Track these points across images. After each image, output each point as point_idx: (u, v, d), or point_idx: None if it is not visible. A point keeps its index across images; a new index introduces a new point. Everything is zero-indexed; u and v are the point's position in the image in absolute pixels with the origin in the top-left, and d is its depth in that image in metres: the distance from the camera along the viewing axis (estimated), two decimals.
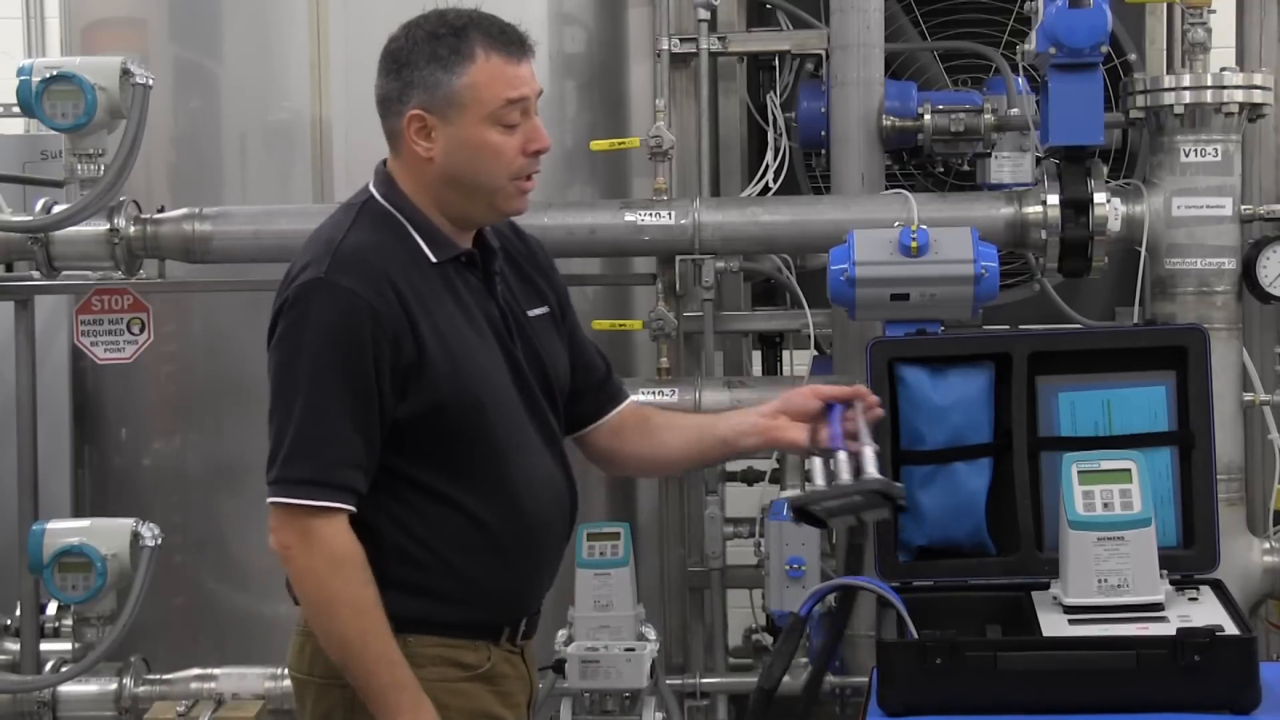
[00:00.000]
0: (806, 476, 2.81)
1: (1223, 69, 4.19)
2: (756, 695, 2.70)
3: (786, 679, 4.51)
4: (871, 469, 2.57)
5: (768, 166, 4.69)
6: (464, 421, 2.52)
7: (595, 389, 2.82)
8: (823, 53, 4.56)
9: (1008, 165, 4.51)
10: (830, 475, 2.58)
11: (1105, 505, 2.86)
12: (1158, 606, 2.84)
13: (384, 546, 2.51)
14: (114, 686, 4.39)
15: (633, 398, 2.87)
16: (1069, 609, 2.84)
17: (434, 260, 2.56)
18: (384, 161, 2.63)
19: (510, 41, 2.56)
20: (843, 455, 2.58)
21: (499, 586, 2.60)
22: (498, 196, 2.58)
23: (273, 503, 2.47)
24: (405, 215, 2.57)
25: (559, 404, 2.71)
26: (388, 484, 2.51)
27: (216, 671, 4.35)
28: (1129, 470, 2.89)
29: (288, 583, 2.54)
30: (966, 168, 4.79)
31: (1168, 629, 2.72)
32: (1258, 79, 4.20)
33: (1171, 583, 2.98)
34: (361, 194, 2.63)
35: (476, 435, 2.54)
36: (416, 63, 2.51)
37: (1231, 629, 2.76)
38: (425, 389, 2.49)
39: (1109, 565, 2.77)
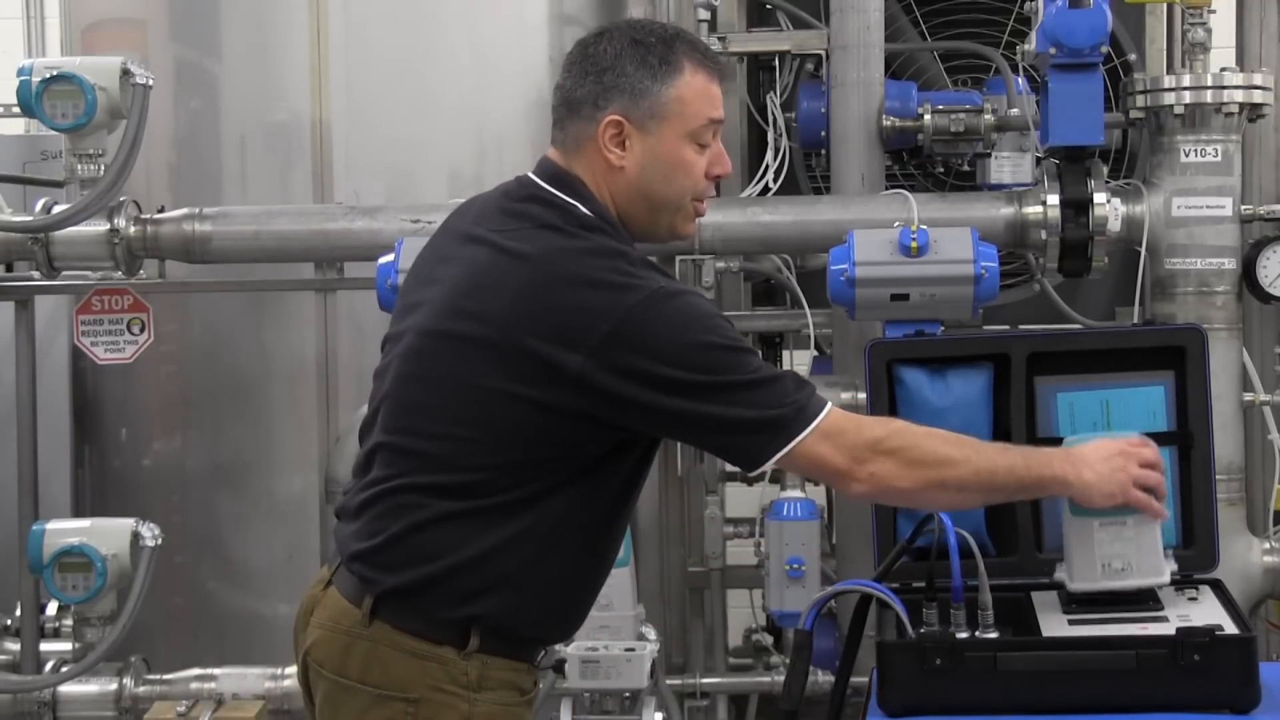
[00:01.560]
0: None
1: (1223, 69, 4.19)
2: (783, 719, 2.72)
3: (766, 678, 4.58)
4: None
5: (768, 167, 4.69)
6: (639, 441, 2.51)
7: None
8: (823, 53, 4.56)
9: (1008, 165, 4.51)
10: None
11: None
12: (1157, 597, 2.85)
13: (555, 558, 2.45)
14: (114, 686, 4.39)
15: None
16: (1073, 597, 2.84)
17: None
18: (555, 167, 2.54)
19: (714, 60, 2.53)
20: None
21: (575, 616, 2.59)
22: (679, 216, 2.54)
23: (802, 447, 2.40)
24: (613, 228, 2.50)
25: None
26: (597, 501, 2.47)
27: (216, 671, 4.35)
28: None
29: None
30: (966, 168, 4.79)
31: (1167, 629, 2.72)
32: (1258, 79, 4.20)
33: (1171, 583, 2.99)
34: (554, 205, 2.49)
35: (635, 458, 2.52)
36: (622, 68, 2.46)
37: (1231, 629, 2.76)
38: None
39: (1113, 549, 2.75)
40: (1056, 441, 3.16)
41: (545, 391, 2.37)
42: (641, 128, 2.46)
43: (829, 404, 2.44)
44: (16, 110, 4.39)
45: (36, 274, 4.39)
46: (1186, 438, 3.13)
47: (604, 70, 2.46)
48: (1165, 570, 2.80)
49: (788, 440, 2.40)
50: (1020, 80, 4.43)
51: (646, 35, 2.48)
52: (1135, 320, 4.17)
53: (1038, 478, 2.56)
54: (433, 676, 2.42)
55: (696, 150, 2.50)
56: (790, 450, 2.40)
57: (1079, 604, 2.91)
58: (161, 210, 4.31)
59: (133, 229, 4.26)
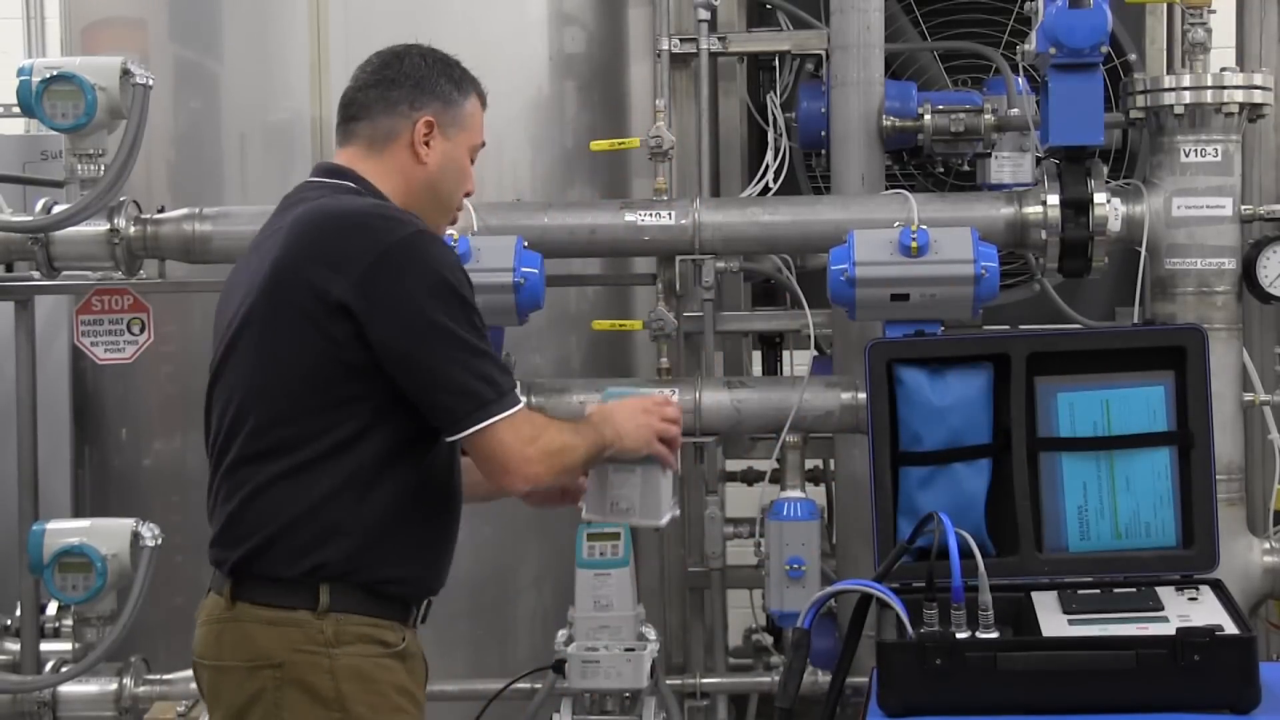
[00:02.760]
0: None
1: (1223, 69, 4.18)
2: (779, 716, 2.72)
3: (766, 678, 4.58)
4: None
5: (768, 167, 4.69)
6: None
7: None
8: (823, 53, 4.56)
9: (1008, 165, 4.51)
10: None
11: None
12: (1157, 597, 2.87)
13: (379, 495, 2.65)
14: (114, 686, 4.39)
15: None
16: (1073, 597, 2.92)
17: None
18: (331, 164, 2.85)
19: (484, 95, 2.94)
20: None
21: (434, 552, 2.78)
22: (443, 215, 2.89)
23: (488, 429, 2.63)
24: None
25: None
26: (410, 442, 2.67)
27: None
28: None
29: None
30: (966, 168, 4.79)
31: (1168, 629, 2.72)
32: (1258, 79, 4.19)
33: (1172, 583, 2.99)
34: (330, 187, 2.79)
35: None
36: (432, 78, 2.82)
37: (1231, 629, 2.76)
38: None
39: (621, 491, 2.98)
40: (1056, 442, 3.18)
41: (322, 323, 2.60)
42: (444, 132, 2.82)
43: (521, 401, 2.70)
44: (16, 110, 4.39)
45: (36, 274, 4.39)
46: (1186, 438, 3.13)
47: (420, 79, 2.82)
48: (664, 515, 3.00)
49: (487, 416, 2.63)
50: (1020, 80, 4.42)
51: (446, 57, 2.88)
52: (1135, 320, 4.17)
53: (598, 442, 2.85)
54: (292, 640, 2.62)
55: (469, 163, 2.89)
56: (485, 427, 2.62)
57: (1079, 604, 2.92)
58: (161, 210, 4.31)
59: (133, 229, 4.26)
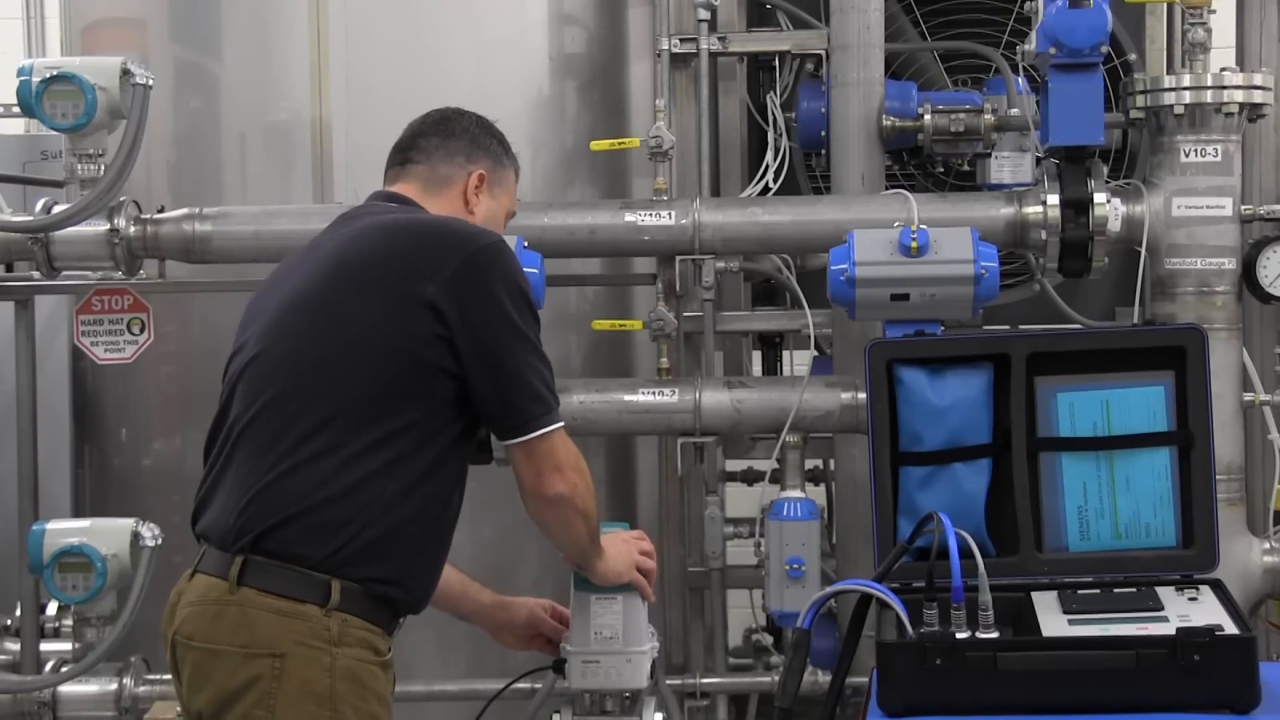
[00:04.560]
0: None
1: (1223, 69, 4.18)
2: (778, 716, 2.72)
3: (766, 678, 4.58)
4: None
5: (768, 166, 4.69)
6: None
7: None
8: (823, 53, 4.56)
9: (1008, 165, 4.51)
10: None
11: None
12: (1157, 597, 2.87)
13: (409, 499, 2.71)
14: (114, 686, 4.40)
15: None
16: (1073, 597, 2.91)
17: None
18: (392, 192, 3.02)
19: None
20: None
21: (434, 569, 2.86)
22: None
23: (535, 440, 2.75)
24: None
25: None
26: (444, 453, 2.75)
27: None
28: None
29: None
30: (966, 168, 4.79)
31: (1167, 629, 2.72)
32: (1258, 79, 4.19)
33: (1172, 583, 2.99)
34: (399, 206, 2.97)
35: (461, 426, 2.81)
36: (485, 138, 3.07)
37: (1231, 629, 2.77)
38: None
39: (604, 620, 3.13)
40: (1056, 442, 3.17)
41: (403, 318, 2.70)
42: (491, 189, 3.05)
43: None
44: (16, 110, 4.38)
45: (36, 274, 4.39)
46: (1186, 438, 3.13)
47: (476, 137, 3.06)
48: (647, 642, 3.14)
49: (550, 422, 2.77)
50: (1020, 80, 4.42)
51: (494, 125, 3.12)
52: (1135, 320, 4.17)
53: (590, 550, 3.00)
54: (297, 632, 2.64)
55: (503, 225, 3.09)
56: (546, 433, 2.76)
57: (1079, 604, 2.92)
58: (161, 210, 4.31)
59: (133, 229, 4.26)
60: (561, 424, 2.78)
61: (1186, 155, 4.16)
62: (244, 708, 2.64)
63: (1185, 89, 4.13)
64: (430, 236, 2.79)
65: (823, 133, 4.50)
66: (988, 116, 4.40)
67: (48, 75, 4.11)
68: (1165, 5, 4.78)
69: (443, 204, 2.98)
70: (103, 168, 4.20)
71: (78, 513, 4.65)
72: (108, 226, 4.25)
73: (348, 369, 2.70)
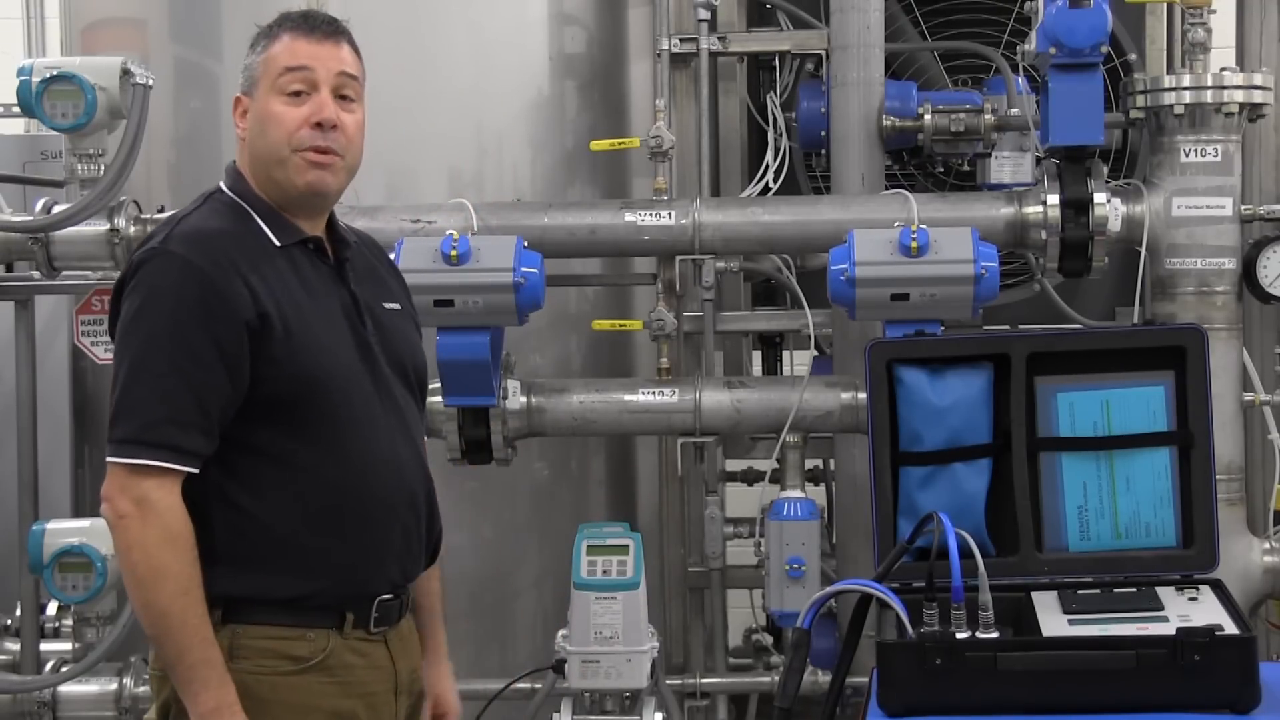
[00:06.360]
0: None
1: (1223, 69, 4.19)
2: (778, 716, 2.72)
3: (766, 678, 4.58)
4: None
5: (768, 166, 4.69)
6: (301, 394, 2.56)
7: None
8: (823, 53, 4.57)
9: (1008, 165, 4.51)
10: None
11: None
12: (1157, 597, 2.87)
13: (214, 523, 2.53)
14: (114, 686, 4.40)
15: None
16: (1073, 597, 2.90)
17: (277, 244, 2.63)
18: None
19: (312, 25, 2.69)
20: None
21: (334, 562, 2.57)
22: (286, 168, 2.63)
23: (110, 464, 2.50)
24: (249, 202, 2.66)
25: (416, 393, 2.78)
26: (225, 456, 2.54)
27: None
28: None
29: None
30: (966, 168, 4.80)
31: (1167, 629, 2.72)
32: (1258, 79, 4.20)
33: (1172, 583, 2.99)
34: (211, 187, 2.73)
35: (314, 408, 2.57)
36: (246, 59, 2.68)
37: (1231, 629, 2.76)
38: (264, 361, 2.53)
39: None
40: (1056, 441, 3.17)
41: None
42: (249, 97, 2.65)
43: (159, 463, 2.48)
44: (16, 110, 4.39)
45: (36, 274, 4.40)
46: (1186, 438, 3.13)
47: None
48: (647, 642, 3.16)
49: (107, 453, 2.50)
50: (1020, 80, 4.43)
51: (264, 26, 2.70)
52: (1135, 320, 4.17)
53: (188, 676, 2.48)
54: None
55: (285, 101, 2.62)
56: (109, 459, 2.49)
57: (1079, 604, 2.92)
58: (161, 210, 4.31)
59: (133, 229, 4.26)
60: (147, 461, 2.49)
61: (1186, 155, 4.16)
62: None
63: (1185, 89, 4.13)
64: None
65: (823, 133, 4.50)
66: (988, 116, 4.40)
67: (48, 75, 4.11)
68: (1165, 5, 4.78)
69: (239, 157, 2.71)
70: (103, 168, 4.20)
71: (78, 513, 4.65)
72: (108, 226, 4.25)
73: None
